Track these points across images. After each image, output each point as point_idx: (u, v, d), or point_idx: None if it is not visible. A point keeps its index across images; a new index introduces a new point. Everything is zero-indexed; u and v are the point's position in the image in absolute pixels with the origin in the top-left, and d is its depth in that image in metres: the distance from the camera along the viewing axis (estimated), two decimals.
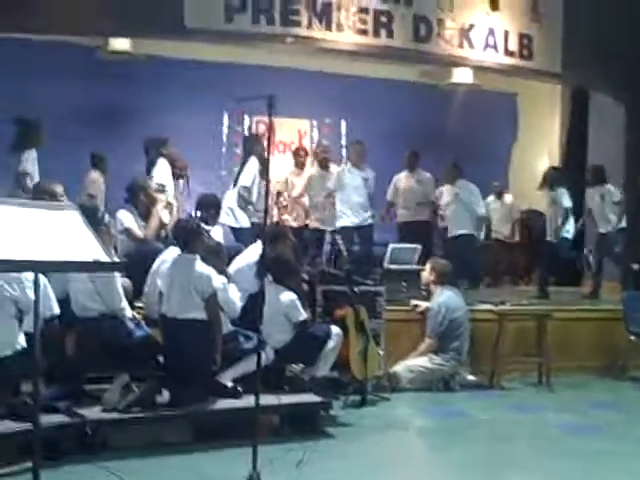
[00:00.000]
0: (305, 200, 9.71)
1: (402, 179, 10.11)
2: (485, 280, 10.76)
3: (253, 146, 8.26)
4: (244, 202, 7.90)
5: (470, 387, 7.40)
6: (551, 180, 9.92)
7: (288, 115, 11.58)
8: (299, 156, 9.93)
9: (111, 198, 8.08)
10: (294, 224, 9.44)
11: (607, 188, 9.91)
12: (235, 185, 8.10)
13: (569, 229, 9.92)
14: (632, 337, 8.05)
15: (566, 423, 6.26)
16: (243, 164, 8.21)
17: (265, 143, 6.08)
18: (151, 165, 7.74)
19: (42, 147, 7.66)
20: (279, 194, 9.78)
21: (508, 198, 12.14)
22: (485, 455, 5.27)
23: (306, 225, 9.64)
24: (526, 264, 12.09)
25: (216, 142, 11.68)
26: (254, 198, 8.04)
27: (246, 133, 11.24)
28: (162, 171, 7.68)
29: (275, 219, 9.23)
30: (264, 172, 8.78)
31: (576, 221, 10.21)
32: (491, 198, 11.78)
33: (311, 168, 9.95)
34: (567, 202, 9.76)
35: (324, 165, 9.60)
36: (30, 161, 7.45)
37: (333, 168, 9.64)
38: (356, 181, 9.16)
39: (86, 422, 4.85)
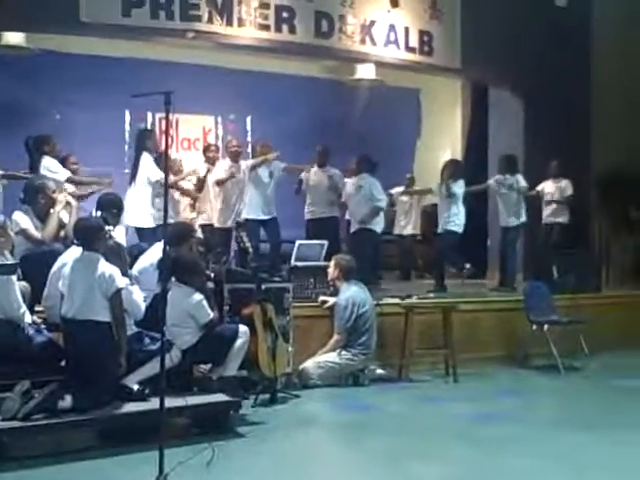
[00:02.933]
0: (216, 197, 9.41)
1: (312, 175, 9.95)
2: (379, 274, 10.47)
3: (144, 141, 8.07)
4: (160, 195, 7.64)
5: (379, 381, 7.44)
6: (453, 172, 9.82)
7: (192, 112, 11.45)
8: (210, 152, 9.75)
9: (6, 197, 7.81)
10: (203, 221, 9.28)
11: (517, 178, 9.91)
12: (132, 183, 7.89)
13: (459, 222, 9.51)
14: (534, 326, 8.27)
15: (472, 412, 6.38)
16: (137, 161, 7.99)
17: (160, 139, 5.89)
18: (36, 164, 7.51)
19: None
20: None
21: None
22: (394, 447, 5.31)
23: (211, 224, 9.40)
24: (423, 258, 11.98)
25: (118, 140, 11.43)
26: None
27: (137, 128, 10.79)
28: (51, 169, 7.46)
29: (182, 218, 9.05)
30: (162, 169, 8.62)
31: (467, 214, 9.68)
32: (401, 190, 11.50)
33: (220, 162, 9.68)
34: (460, 191, 9.51)
35: (235, 159, 9.34)
36: None
37: (242, 163, 9.48)
38: (263, 176, 9.22)
39: None
